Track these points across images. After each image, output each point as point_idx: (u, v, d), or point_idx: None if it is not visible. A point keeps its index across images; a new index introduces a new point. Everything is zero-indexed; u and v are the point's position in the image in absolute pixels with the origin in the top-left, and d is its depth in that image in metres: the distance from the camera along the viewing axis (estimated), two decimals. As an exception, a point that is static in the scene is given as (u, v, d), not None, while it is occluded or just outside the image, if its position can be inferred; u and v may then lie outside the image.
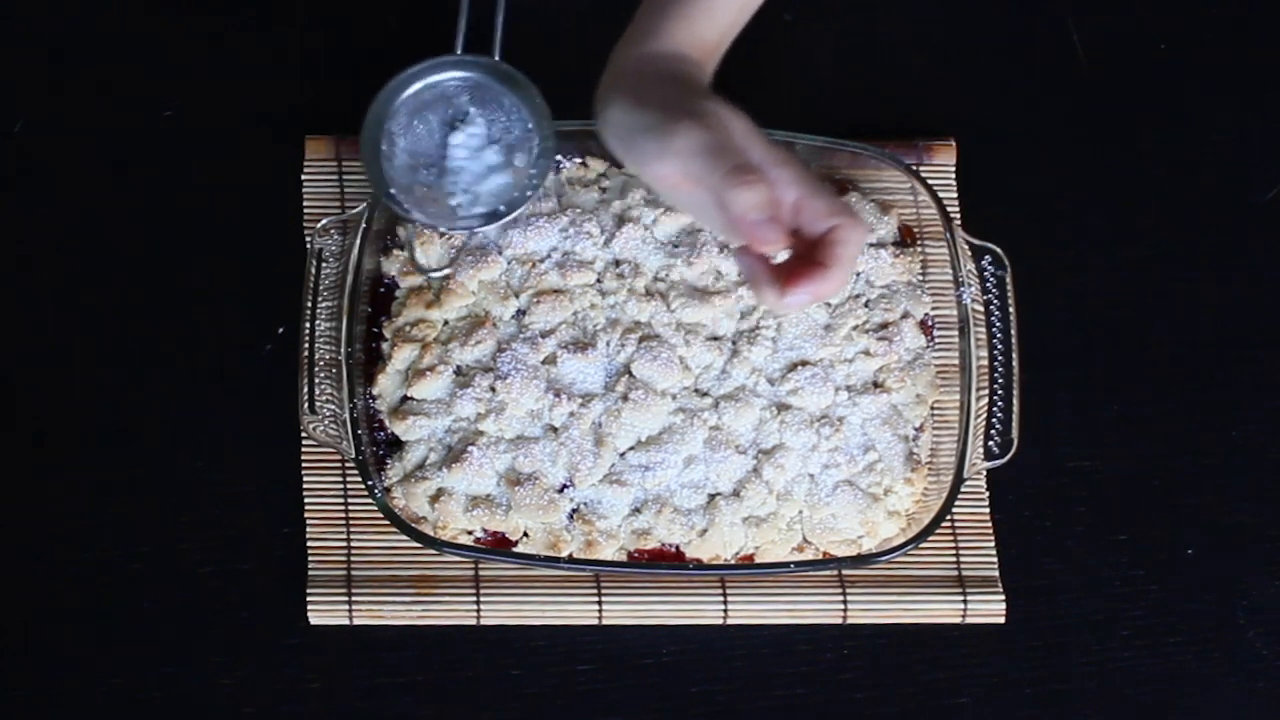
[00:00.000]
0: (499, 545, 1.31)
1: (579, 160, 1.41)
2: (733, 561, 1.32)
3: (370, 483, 1.28)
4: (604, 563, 1.30)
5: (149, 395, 1.36)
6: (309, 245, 1.35)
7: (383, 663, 1.30)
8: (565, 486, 1.31)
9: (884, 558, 1.30)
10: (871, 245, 1.40)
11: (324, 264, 1.34)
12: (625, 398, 1.33)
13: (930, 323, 1.39)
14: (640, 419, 1.32)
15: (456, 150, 1.23)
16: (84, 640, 1.29)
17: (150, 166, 1.42)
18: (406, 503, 1.31)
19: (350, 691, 1.29)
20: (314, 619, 1.30)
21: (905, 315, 1.38)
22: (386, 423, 1.33)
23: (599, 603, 1.31)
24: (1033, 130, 1.49)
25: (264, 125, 1.44)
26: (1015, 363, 1.34)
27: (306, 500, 1.33)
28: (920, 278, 1.40)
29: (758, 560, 1.32)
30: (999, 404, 1.33)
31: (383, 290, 1.37)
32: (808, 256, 1.09)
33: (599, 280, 1.37)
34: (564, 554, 1.31)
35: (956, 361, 1.35)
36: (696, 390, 1.35)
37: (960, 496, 1.31)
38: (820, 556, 1.32)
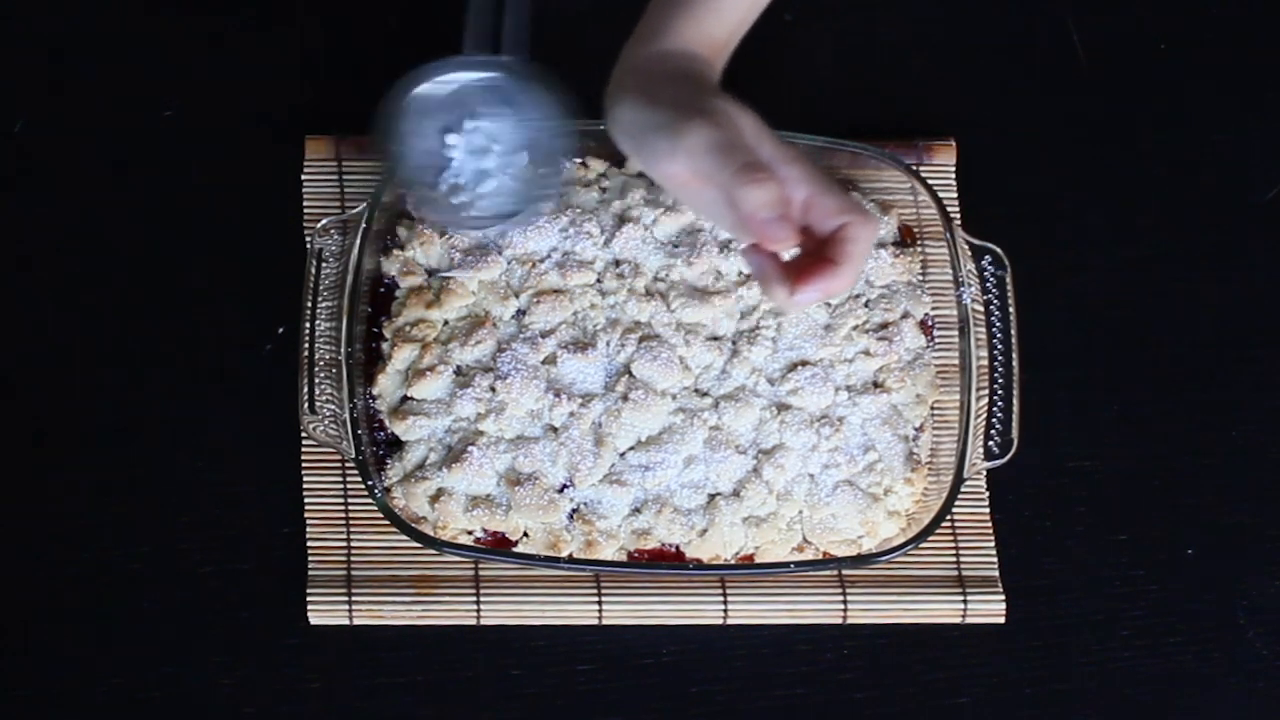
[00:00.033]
0: (499, 545, 1.31)
1: (579, 160, 1.41)
2: (733, 561, 1.32)
3: (370, 483, 1.28)
4: (604, 563, 1.30)
5: (149, 395, 1.36)
6: (309, 245, 1.35)
7: (383, 663, 1.30)
8: (565, 486, 1.31)
9: (884, 558, 1.30)
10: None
11: (324, 264, 1.34)
12: (625, 398, 1.33)
13: (930, 323, 1.39)
14: (640, 419, 1.32)
15: (470, 149, 1.23)
16: (84, 640, 1.29)
17: (150, 166, 1.42)
18: (406, 503, 1.31)
19: (350, 691, 1.29)
20: (314, 619, 1.30)
21: (905, 315, 1.38)
22: (386, 423, 1.33)
23: (599, 603, 1.31)
24: (1033, 130, 1.49)
25: (264, 125, 1.44)
26: (1015, 363, 1.34)
27: (306, 500, 1.33)
28: (920, 278, 1.40)
29: (758, 560, 1.32)
30: (999, 404, 1.33)
31: (383, 290, 1.37)
32: (817, 254, 1.09)
33: (599, 280, 1.37)
34: (564, 554, 1.31)
35: (956, 361, 1.35)
36: (696, 390, 1.35)
37: (960, 496, 1.31)
38: (820, 556, 1.32)
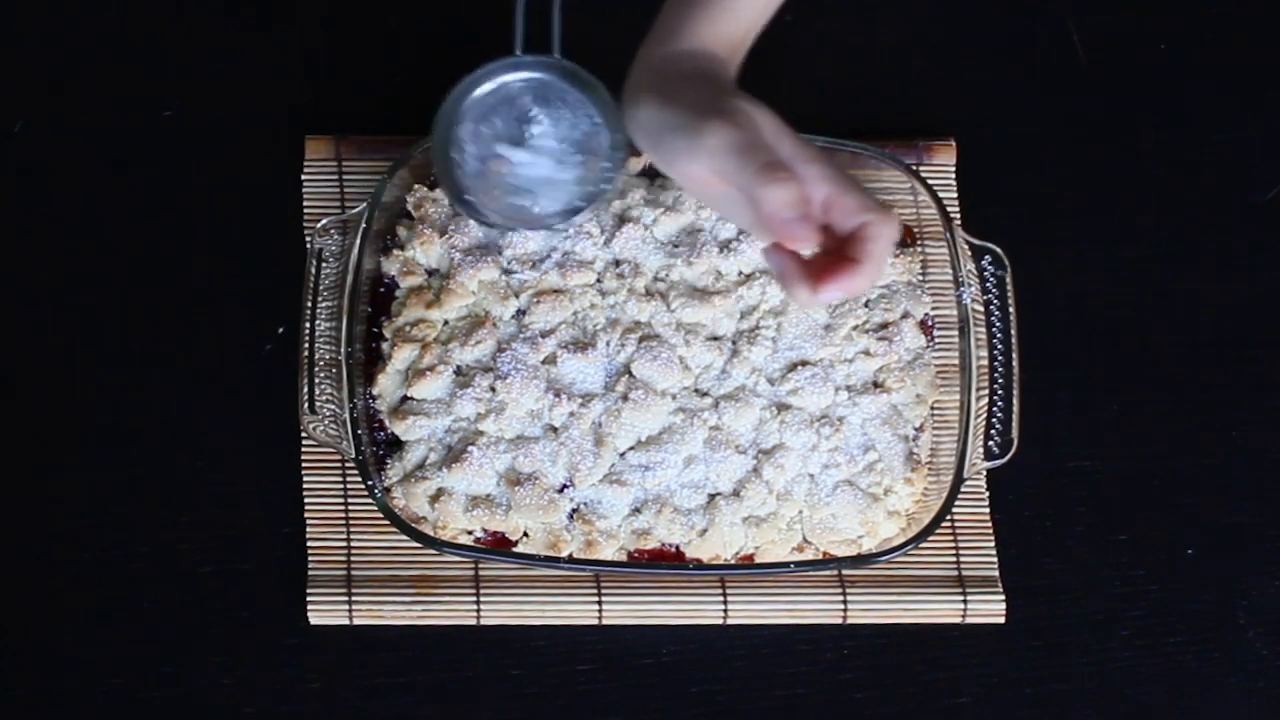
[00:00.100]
0: (499, 545, 1.31)
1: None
2: (733, 561, 1.32)
3: (370, 483, 1.28)
4: (604, 563, 1.30)
5: (149, 395, 1.36)
6: (309, 245, 1.35)
7: (383, 663, 1.30)
8: (565, 486, 1.31)
9: (884, 558, 1.30)
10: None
11: (324, 264, 1.34)
12: (625, 398, 1.33)
13: (930, 323, 1.39)
14: (640, 419, 1.32)
15: (525, 150, 1.23)
16: (84, 640, 1.29)
17: (150, 166, 1.42)
18: (406, 503, 1.31)
19: (350, 691, 1.29)
20: (314, 619, 1.30)
21: (905, 315, 1.38)
22: (386, 423, 1.33)
23: (599, 603, 1.31)
24: (1033, 130, 1.49)
25: (264, 125, 1.44)
26: (1015, 363, 1.34)
27: (306, 500, 1.33)
28: (920, 278, 1.40)
29: (758, 560, 1.32)
30: (999, 404, 1.33)
31: (383, 290, 1.37)
32: (838, 252, 1.09)
33: (599, 280, 1.37)
34: (564, 554, 1.31)
35: (956, 361, 1.35)
36: (696, 390, 1.35)
37: (960, 496, 1.31)
38: (820, 556, 1.32)
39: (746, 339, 1.35)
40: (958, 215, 1.42)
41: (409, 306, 1.35)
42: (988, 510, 1.36)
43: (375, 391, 1.34)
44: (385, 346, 1.35)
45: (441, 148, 1.22)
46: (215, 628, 1.30)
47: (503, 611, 1.31)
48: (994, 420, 1.33)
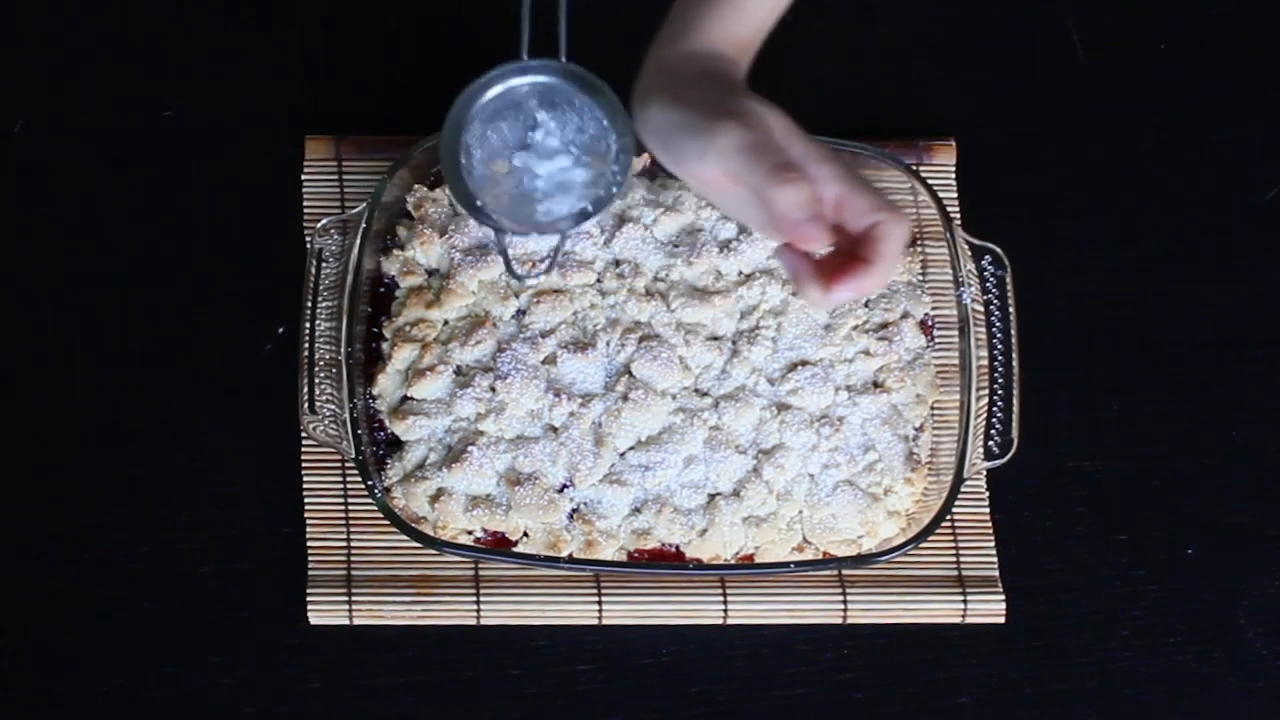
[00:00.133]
0: (499, 545, 1.31)
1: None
2: (733, 561, 1.32)
3: (370, 483, 1.28)
4: (604, 563, 1.30)
5: (149, 395, 1.36)
6: (309, 245, 1.35)
7: (383, 663, 1.30)
8: (565, 486, 1.31)
9: (884, 558, 1.30)
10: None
11: (324, 264, 1.34)
12: (625, 398, 1.33)
13: (930, 323, 1.39)
14: (640, 419, 1.32)
15: (533, 155, 1.22)
16: (84, 640, 1.29)
17: (150, 166, 1.42)
18: (406, 503, 1.31)
19: (350, 691, 1.29)
20: (314, 619, 1.30)
21: (905, 315, 1.38)
22: (386, 423, 1.33)
23: (599, 603, 1.31)
24: (1033, 130, 1.49)
25: (264, 125, 1.44)
26: (1015, 363, 1.34)
27: (306, 500, 1.33)
28: (920, 278, 1.40)
29: (758, 560, 1.32)
30: (999, 404, 1.33)
31: (383, 290, 1.37)
32: (850, 252, 1.08)
33: (599, 280, 1.37)
34: (564, 554, 1.31)
35: (956, 361, 1.35)
36: (696, 390, 1.35)
37: (960, 496, 1.31)
38: (820, 556, 1.32)
39: (746, 339, 1.35)
40: (958, 215, 1.43)
41: (409, 306, 1.35)
42: (988, 510, 1.36)
43: (375, 391, 1.34)
44: (385, 346, 1.35)
45: (449, 153, 1.21)
46: (215, 628, 1.30)
47: (503, 611, 1.31)
48: (994, 420, 1.33)
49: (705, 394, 1.34)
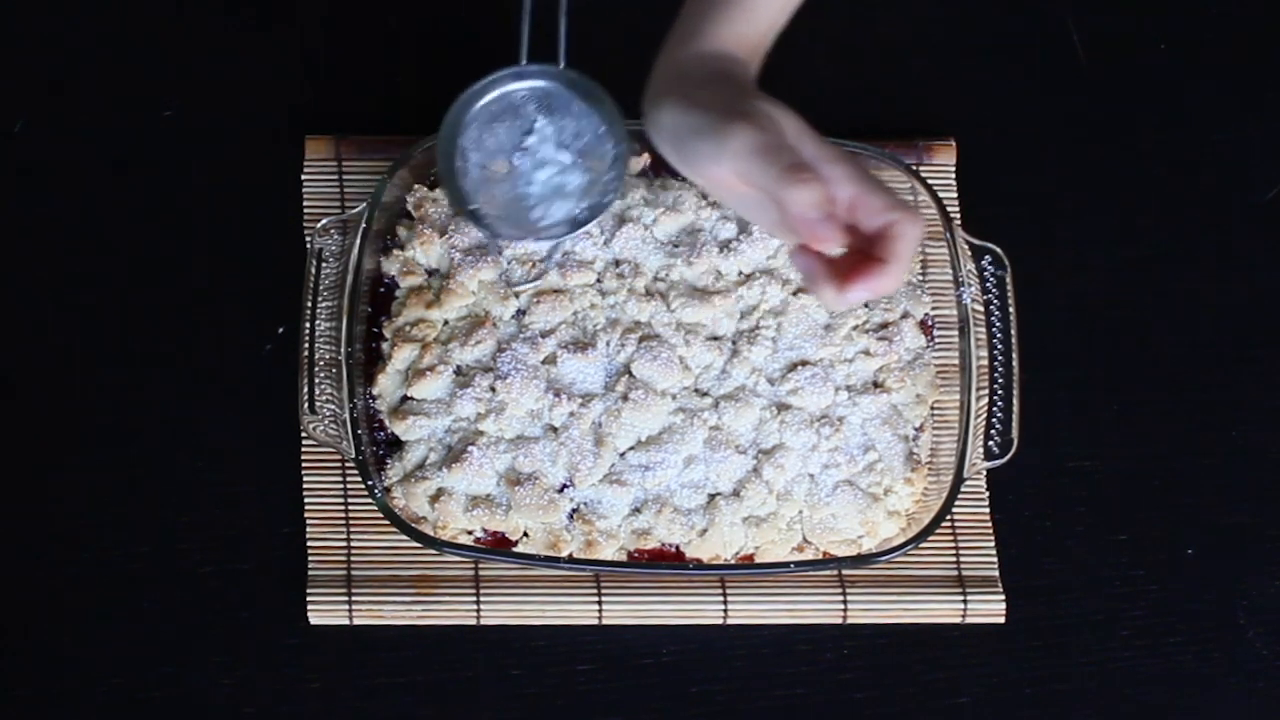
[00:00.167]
0: (499, 545, 1.31)
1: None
2: (733, 561, 1.32)
3: (370, 483, 1.29)
4: (604, 563, 1.30)
5: (149, 395, 1.36)
6: (309, 245, 1.35)
7: (383, 663, 1.30)
8: (565, 486, 1.31)
9: (884, 558, 1.30)
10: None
11: (324, 264, 1.34)
12: (625, 398, 1.33)
13: (930, 323, 1.39)
14: (640, 419, 1.32)
15: (529, 160, 1.22)
16: (84, 640, 1.29)
17: (150, 166, 1.42)
18: (406, 503, 1.31)
19: (350, 691, 1.29)
20: (314, 619, 1.30)
21: (905, 315, 1.38)
22: (386, 423, 1.33)
23: (599, 603, 1.31)
24: (1033, 130, 1.49)
25: (264, 125, 1.44)
26: (1015, 363, 1.34)
27: (306, 500, 1.33)
28: (920, 278, 1.40)
29: (758, 560, 1.32)
30: (999, 404, 1.33)
31: (383, 290, 1.37)
32: (864, 252, 1.08)
33: (599, 280, 1.37)
34: (564, 554, 1.31)
35: (956, 361, 1.35)
36: (696, 390, 1.35)
37: (960, 496, 1.31)
38: (820, 556, 1.32)
39: (746, 339, 1.35)
40: (958, 215, 1.43)
41: (409, 306, 1.35)
42: (988, 510, 1.36)
43: (375, 391, 1.34)
44: (385, 346, 1.35)
45: (445, 156, 1.21)
46: (215, 628, 1.30)
47: (503, 611, 1.31)
48: (994, 420, 1.33)
49: (705, 394, 1.34)
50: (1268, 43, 1.53)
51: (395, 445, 1.33)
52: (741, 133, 1.08)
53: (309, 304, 1.32)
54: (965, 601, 1.33)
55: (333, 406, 1.30)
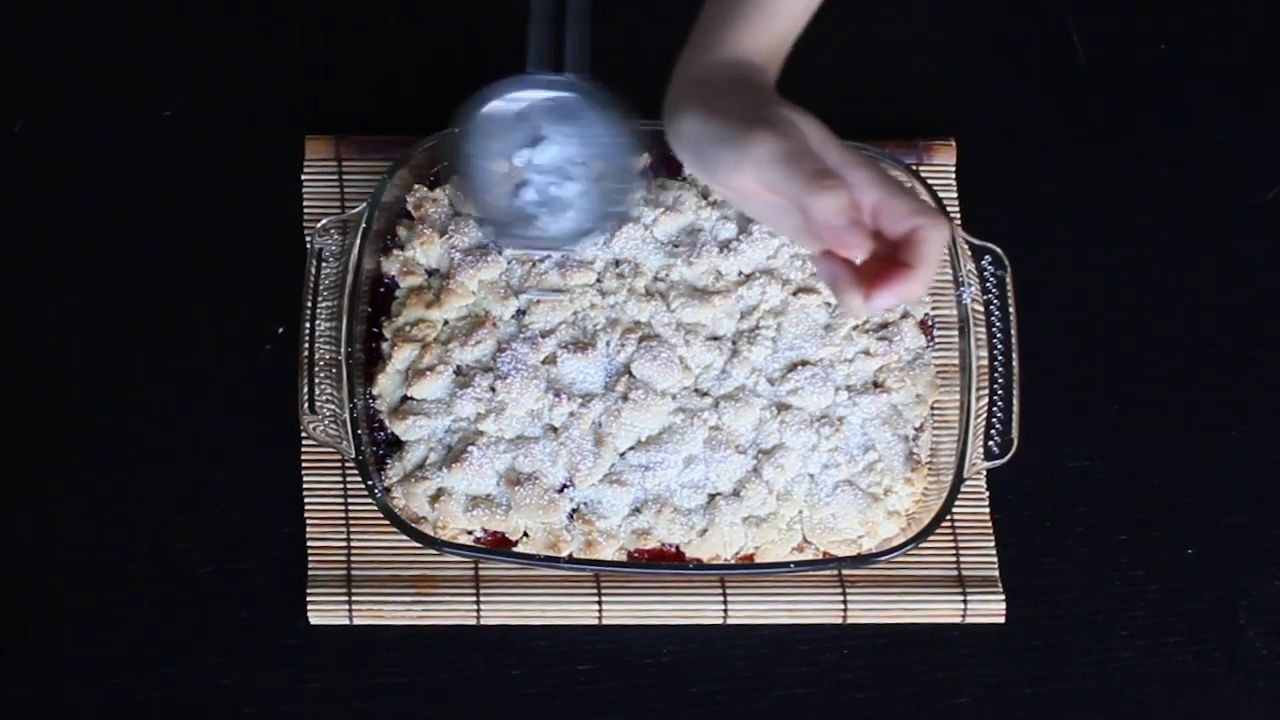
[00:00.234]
0: (499, 545, 1.31)
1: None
2: (733, 561, 1.32)
3: (370, 483, 1.29)
4: (604, 563, 1.30)
5: (149, 395, 1.36)
6: (309, 245, 1.35)
7: (383, 663, 1.30)
8: (565, 486, 1.31)
9: (884, 558, 1.30)
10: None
11: (324, 264, 1.34)
12: (625, 398, 1.33)
13: (930, 323, 1.39)
14: (640, 419, 1.32)
15: (537, 169, 1.22)
16: (84, 640, 1.29)
17: (150, 166, 1.42)
18: (406, 503, 1.31)
19: (350, 691, 1.29)
20: (314, 619, 1.30)
21: (905, 315, 1.38)
22: (386, 423, 1.33)
23: (599, 603, 1.31)
24: (1033, 130, 1.49)
25: (264, 125, 1.44)
26: (1015, 363, 1.34)
27: (306, 500, 1.33)
28: (920, 278, 1.40)
29: (758, 560, 1.32)
30: (999, 404, 1.33)
31: (383, 290, 1.37)
32: (888, 257, 1.08)
33: (599, 280, 1.37)
34: (564, 554, 1.31)
35: (956, 361, 1.35)
36: (696, 390, 1.35)
37: (960, 496, 1.31)
38: (820, 556, 1.32)
39: (746, 339, 1.35)
40: (958, 215, 1.43)
41: (409, 306, 1.35)
42: (988, 510, 1.36)
43: (375, 391, 1.34)
44: (385, 346, 1.35)
45: (455, 167, 1.21)
46: (215, 628, 1.30)
47: (503, 611, 1.31)
48: (994, 420, 1.33)
49: (705, 394, 1.34)
50: (1268, 43, 1.53)
51: (395, 445, 1.33)
52: (764, 140, 1.07)
53: (309, 304, 1.32)
54: (965, 601, 1.33)
55: (333, 406, 1.30)
